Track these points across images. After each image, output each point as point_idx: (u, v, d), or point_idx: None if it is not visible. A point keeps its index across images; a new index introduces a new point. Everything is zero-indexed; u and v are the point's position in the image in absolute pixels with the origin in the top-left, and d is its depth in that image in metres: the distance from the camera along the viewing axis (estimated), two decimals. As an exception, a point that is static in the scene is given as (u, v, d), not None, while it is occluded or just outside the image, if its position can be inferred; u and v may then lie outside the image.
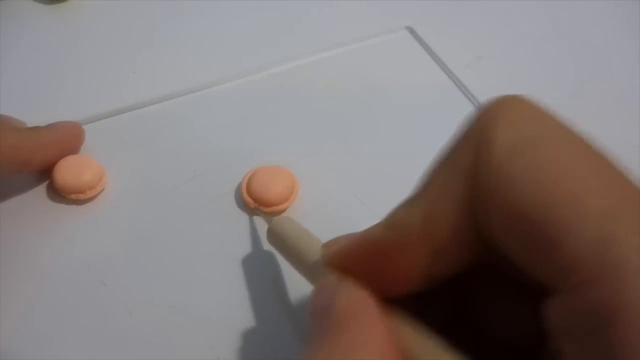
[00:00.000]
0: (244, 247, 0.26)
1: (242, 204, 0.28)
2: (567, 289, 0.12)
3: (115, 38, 0.36)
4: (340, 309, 0.14)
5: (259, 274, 0.25)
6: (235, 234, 0.27)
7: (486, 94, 0.32)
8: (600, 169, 0.12)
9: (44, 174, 0.28)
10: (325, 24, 0.37)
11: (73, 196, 0.27)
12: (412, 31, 0.37)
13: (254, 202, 0.27)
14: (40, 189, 0.28)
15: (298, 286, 0.25)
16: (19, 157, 0.27)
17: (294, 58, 0.35)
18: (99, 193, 0.28)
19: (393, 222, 0.15)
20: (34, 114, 0.29)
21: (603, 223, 0.11)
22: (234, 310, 0.24)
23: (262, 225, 0.27)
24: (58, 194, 0.28)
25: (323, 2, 0.38)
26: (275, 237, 0.22)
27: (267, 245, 0.26)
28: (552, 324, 0.12)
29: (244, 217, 0.27)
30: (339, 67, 0.35)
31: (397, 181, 0.29)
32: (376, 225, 0.15)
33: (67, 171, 0.27)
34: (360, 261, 0.15)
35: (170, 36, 0.37)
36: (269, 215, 0.27)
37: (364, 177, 0.29)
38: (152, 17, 0.38)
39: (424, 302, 0.15)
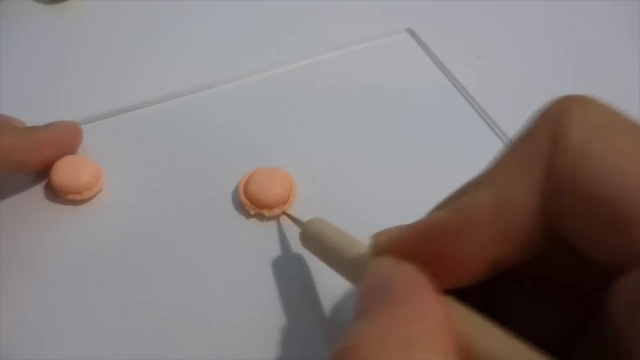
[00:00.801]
0: (242, 247, 0.26)
1: (240, 206, 0.28)
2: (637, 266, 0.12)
3: (116, 38, 0.36)
4: (399, 285, 0.14)
5: (259, 275, 0.26)
6: (233, 235, 0.27)
7: (486, 94, 0.33)
8: None
9: (42, 174, 0.28)
10: (324, 26, 0.37)
11: (70, 196, 0.27)
12: (412, 33, 0.37)
13: (250, 204, 0.27)
14: (38, 189, 0.29)
15: (300, 285, 0.25)
16: (16, 157, 0.27)
17: (293, 60, 0.35)
18: (96, 194, 0.28)
19: (460, 205, 0.15)
20: (33, 113, 0.29)
21: None
22: (233, 311, 0.24)
23: (242, 225, 0.27)
24: (55, 194, 0.28)
25: (322, 3, 0.38)
26: (310, 238, 0.22)
27: (262, 247, 0.26)
28: (619, 302, 0.12)
29: (241, 218, 0.27)
30: (339, 68, 0.35)
31: (396, 184, 0.29)
32: (438, 210, 0.15)
33: (65, 171, 0.27)
34: (419, 249, 0.15)
35: (170, 36, 0.37)
36: (266, 219, 0.27)
37: (362, 179, 0.29)
38: (152, 18, 0.38)
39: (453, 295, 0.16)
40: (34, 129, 0.28)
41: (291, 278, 0.25)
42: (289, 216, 0.26)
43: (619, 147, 0.13)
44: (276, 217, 0.27)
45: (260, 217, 0.27)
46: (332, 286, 0.25)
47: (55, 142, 0.28)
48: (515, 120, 0.31)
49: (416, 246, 0.15)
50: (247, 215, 0.27)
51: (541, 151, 0.14)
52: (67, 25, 0.38)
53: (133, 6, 0.38)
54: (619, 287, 0.12)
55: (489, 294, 0.16)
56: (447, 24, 0.37)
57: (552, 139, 0.14)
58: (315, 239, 0.21)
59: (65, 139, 0.29)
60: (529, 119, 0.15)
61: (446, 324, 0.14)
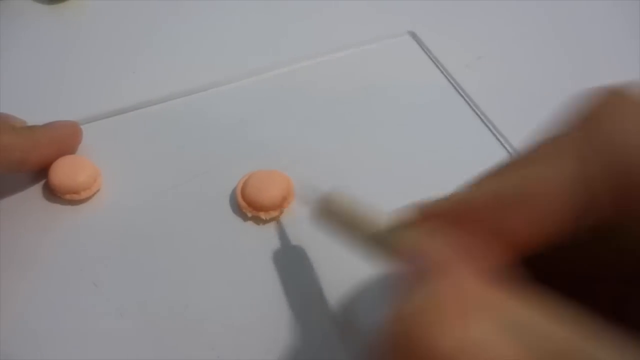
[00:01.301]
0: (239, 249, 0.26)
1: (237, 208, 0.28)
2: None
3: (115, 38, 0.36)
4: (438, 254, 0.14)
5: (257, 276, 0.26)
6: (231, 237, 0.27)
7: (486, 94, 0.33)
8: None
9: (40, 173, 0.29)
10: (325, 27, 0.37)
11: (68, 196, 0.27)
12: (414, 35, 0.36)
13: (247, 207, 0.27)
14: (36, 189, 0.29)
15: (299, 285, 0.25)
16: (15, 156, 0.27)
17: (294, 61, 0.35)
18: (94, 194, 0.28)
19: (520, 178, 0.15)
20: (33, 113, 0.29)
21: None
22: (232, 311, 0.24)
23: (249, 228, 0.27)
24: (53, 194, 0.28)
25: (324, 3, 0.38)
26: (329, 210, 0.21)
27: (260, 249, 0.26)
28: None
29: (238, 220, 0.27)
30: (340, 70, 0.35)
31: (395, 185, 0.29)
32: (497, 179, 0.15)
33: (62, 171, 0.27)
34: (474, 217, 0.15)
35: (171, 36, 0.37)
36: (263, 222, 0.27)
37: (362, 180, 0.29)
38: (152, 18, 0.38)
39: None
40: (32, 128, 0.28)
41: (290, 278, 0.25)
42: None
43: None
44: (274, 219, 0.27)
45: (257, 220, 0.27)
46: (332, 286, 0.25)
47: (54, 141, 0.28)
48: (514, 120, 0.31)
49: (472, 215, 0.15)
50: (245, 217, 0.27)
51: (595, 146, 0.14)
52: (67, 25, 0.38)
53: (133, 6, 0.38)
54: None
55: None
56: (447, 23, 0.37)
57: (602, 134, 0.14)
58: (334, 212, 0.21)
59: (64, 138, 0.29)
60: (572, 108, 0.15)
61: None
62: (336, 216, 0.21)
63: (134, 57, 0.35)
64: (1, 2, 0.39)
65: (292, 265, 0.26)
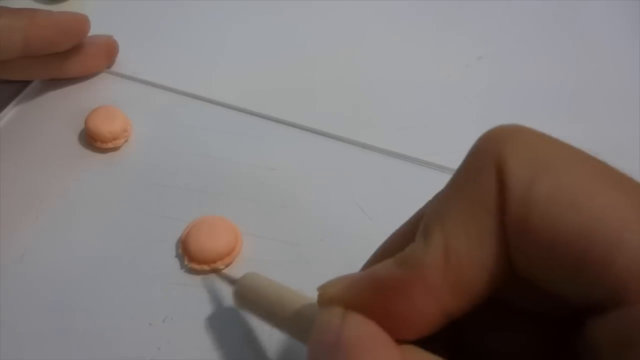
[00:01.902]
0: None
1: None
2: (615, 305, 0.11)
3: (115, 38, 0.36)
4: (349, 339, 0.14)
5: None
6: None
7: (486, 94, 0.33)
8: (622, 182, 0.12)
9: (77, 121, 0.31)
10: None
11: (99, 144, 0.30)
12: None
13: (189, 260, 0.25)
14: (73, 136, 0.31)
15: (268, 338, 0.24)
16: (14, 36, 0.28)
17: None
18: (123, 143, 0.30)
19: (409, 258, 0.14)
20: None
21: None
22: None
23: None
24: (88, 141, 0.30)
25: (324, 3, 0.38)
26: (244, 296, 0.21)
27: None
28: (601, 342, 0.12)
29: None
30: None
31: (392, 186, 0.29)
32: (386, 262, 0.14)
33: (98, 120, 0.29)
34: (367, 302, 0.14)
35: (171, 37, 0.37)
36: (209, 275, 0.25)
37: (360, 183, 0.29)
38: (152, 18, 0.38)
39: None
40: (34, 10, 0.29)
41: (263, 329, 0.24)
42: (221, 275, 0.24)
43: (566, 183, 0.12)
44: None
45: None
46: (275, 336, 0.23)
47: (55, 23, 0.29)
48: (514, 120, 0.31)
49: (364, 300, 0.14)
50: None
51: (488, 196, 0.13)
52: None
53: (133, 6, 0.38)
54: (599, 327, 0.12)
55: (453, 332, 0.15)
56: (447, 23, 0.37)
57: (497, 181, 0.13)
58: (249, 298, 0.20)
59: (68, 22, 0.30)
60: (469, 152, 0.14)
61: None
62: (254, 299, 0.20)
63: (133, 57, 0.35)
64: (1, 2, 0.38)
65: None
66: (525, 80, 0.34)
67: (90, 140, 0.30)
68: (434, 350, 0.14)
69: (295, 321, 0.18)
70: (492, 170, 0.13)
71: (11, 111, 0.32)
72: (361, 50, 0.35)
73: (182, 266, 0.26)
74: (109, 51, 0.33)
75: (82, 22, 0.31)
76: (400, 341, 0.14)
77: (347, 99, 0.33)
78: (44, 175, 0.29)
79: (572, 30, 0.37)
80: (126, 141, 0.30)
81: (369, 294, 0.14)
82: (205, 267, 0.25)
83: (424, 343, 0.14)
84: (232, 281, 0.22)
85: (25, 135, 0.31)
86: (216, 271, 0.25)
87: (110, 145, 0.30)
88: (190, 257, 0.25)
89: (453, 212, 0.13)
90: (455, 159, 0.31)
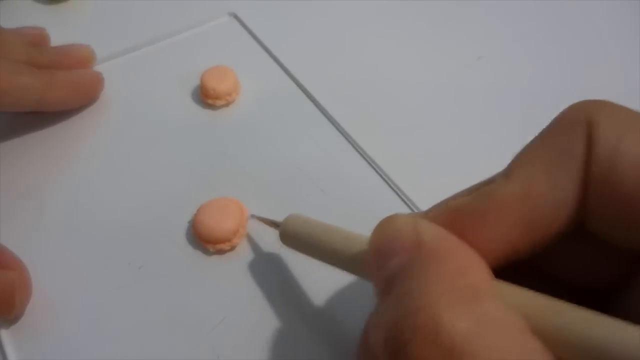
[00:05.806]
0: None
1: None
2: None
3: (115, 38, 0.36)
4: (432, 240, 0.14)
5: (258, 276, 0.26)
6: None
7: (486, 94, 0.33)
8: None
9: (194, 78, 0.33)
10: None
11: (210, 101, 0.32)
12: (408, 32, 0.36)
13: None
14: (188, 94, 0.33)
15: (297, 287, 0.25)
16: (32, 96, 0.28)
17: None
18: (233, 101, 0.32)
19: (490, 191, 0.14)
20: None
21: None
22: (234, 311, 0.24)
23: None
24: (202, 99, 0.32)
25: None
26: (292, 236, 0.21)
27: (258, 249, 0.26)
28: None
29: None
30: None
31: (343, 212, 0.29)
32: (461, 195, 0.15)
33: (213, 78, 0.32)
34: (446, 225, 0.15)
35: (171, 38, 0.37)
36: (219, 252, 0.26)
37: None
38: (153, 18, 0.38)
39: None
40: (53, 72, 0.30)
41: (292, 278, 0.25)
42: (260, 219, 0.25)
43: None
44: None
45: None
46: (316, 286, 0.25)
47: (71, 85, 0.30)
48: (514, 120, 0.31)
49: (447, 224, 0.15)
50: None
51: (576, 146, 0.14)
52: (67, 25, 0.38)
53: (133, 6, 0.38)
54: None
55: None
56: (447, 23, 0.37)
57: (586, 135, 0.14)
58: (299, 236, 0.21)
59: (84, 84, 0.31)
60: (560, 113, 0.15)
61: (491, 275, 0.14)
62: (302, 239, 0.21)
63: (133, 56, 0.35)
64: (1, 2, 0.39)
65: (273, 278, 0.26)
66: (525, 81, 0.34)
67: (204, 97, 0.32)
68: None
69: (349, 252, 0.18)
70: (583, 124, 0.14)
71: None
72: (360, 50, 0.35)
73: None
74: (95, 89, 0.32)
75: (96, 82, 0.32)
76: None
77: (346, 99, 0.33)
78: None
79: (572, 31, 0.37)
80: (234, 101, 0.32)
81: (443, 220, 0.15)
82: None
83: None
84: (275, 224, 0.23)
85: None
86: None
87: (222, 102, 0.32)
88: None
89: (539, 156, 0.14)
90: (455, 159, 0.31)
